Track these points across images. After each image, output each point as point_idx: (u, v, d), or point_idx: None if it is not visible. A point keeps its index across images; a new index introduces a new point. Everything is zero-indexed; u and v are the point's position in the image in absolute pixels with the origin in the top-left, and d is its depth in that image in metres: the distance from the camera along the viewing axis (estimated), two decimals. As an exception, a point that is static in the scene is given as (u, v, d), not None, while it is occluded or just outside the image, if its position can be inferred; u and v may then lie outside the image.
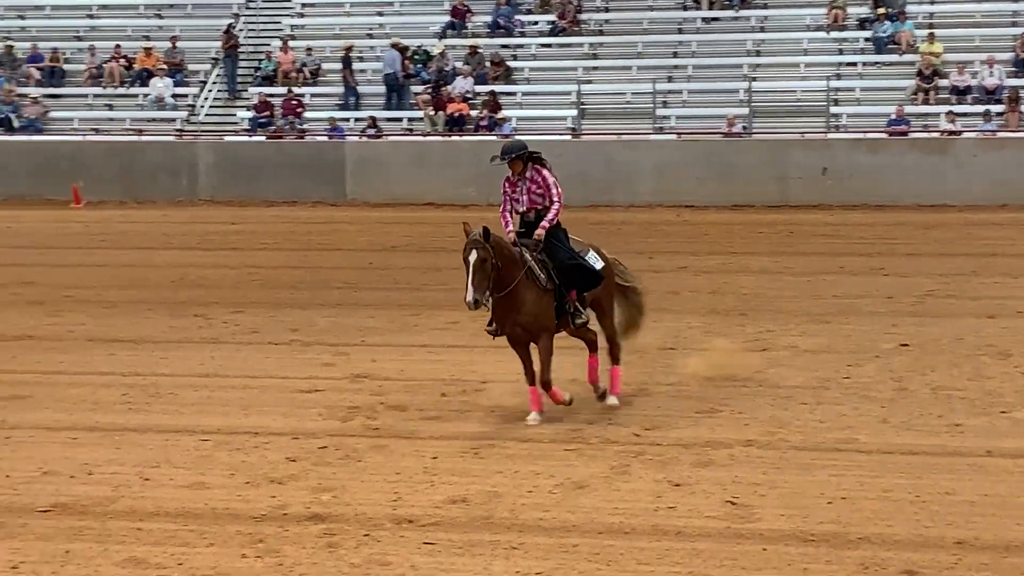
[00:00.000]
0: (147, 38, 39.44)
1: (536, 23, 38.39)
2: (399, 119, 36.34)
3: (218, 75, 38.24)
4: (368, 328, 18.52)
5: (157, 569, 9.79)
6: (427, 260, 24.35)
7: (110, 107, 38.30)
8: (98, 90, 38.50)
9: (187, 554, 10.09)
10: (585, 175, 32.77)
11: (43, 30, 40.52)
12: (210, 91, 38.18)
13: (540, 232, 13.57)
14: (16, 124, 37.44)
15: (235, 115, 37.47)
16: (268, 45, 38.95)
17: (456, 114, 35.51)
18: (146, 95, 38.02)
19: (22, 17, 40.98)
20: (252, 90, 37.55)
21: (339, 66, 37.45)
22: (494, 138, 34.62)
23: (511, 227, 13.75)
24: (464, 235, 13.08)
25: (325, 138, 35.74)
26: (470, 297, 12.94)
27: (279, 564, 9.89)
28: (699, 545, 10.13)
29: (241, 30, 39.29)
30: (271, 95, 36.90)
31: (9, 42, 39.56)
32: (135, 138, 36.71)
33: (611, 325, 14.21)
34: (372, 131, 35.50)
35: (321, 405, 14.37)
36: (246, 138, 36.53)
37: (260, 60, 38.46)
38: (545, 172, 13.77)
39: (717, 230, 28.04)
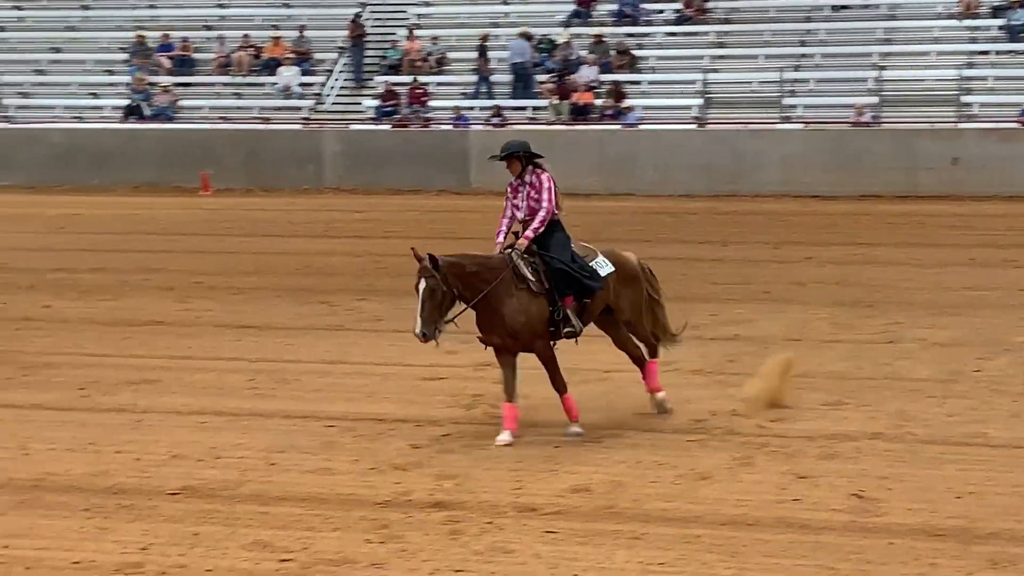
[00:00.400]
0: (275, 27, 39.81)
1: (662, 11, 38.18)
2: (523, 108, 36.34)
3: (345, 64, 38.49)
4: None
5: (283, 553, 9.88)
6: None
7: (238, 95, 38.72)
8: (227, 79, 38.94)
9: (312, 538, 10.17)
10: (709, 165, 32.63)
11: (174, 20, 41.05)
12: (336, 80, 38.44)
13: (522, 242, 12.75)
14: (147, 112, 38.00)
15: (360, 104, 37.70)
16: (394, 34, 39.14)
17: (581, 103, 35.44)
18: (273, 84, 38.39)
19: (154, 7, 41.55)
20: (378, 79, 37.75)
21: (464, 55, 37.55)
22: (618, 127, 34.55)
23: (501, 237, 12.96)
24: (417, 262, 12.43)
25: (450, 127, 35.85)
26: (418, 330, 12.34)
27: (402, 550, 9.94)
28: (824, 538, 10.03)
29: (368, 19, 39.51)
30: (397, 84, 37.09)
31: (141, 32, 40.14)
32: (262, 126, 37.09)
33: (643, 329, 13.53)
34: (496, 120, 35.55)
35: (444, 393, 14.43)
36: (372, 127, 36.74)
37: (386, 49, 38.67)
38: (543, 176, 13.02)
39: (844, 221, 27.72)
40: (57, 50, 40.78)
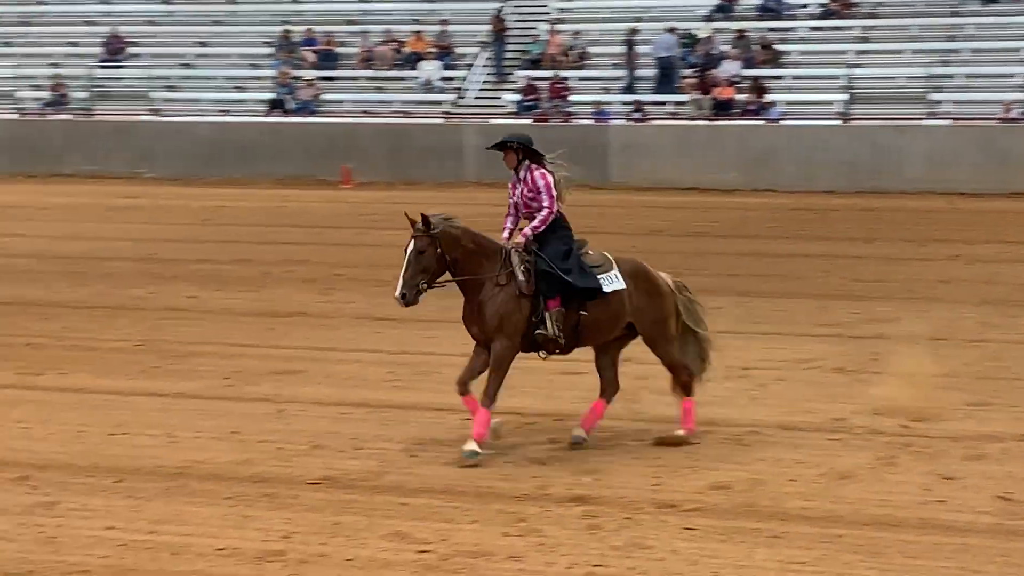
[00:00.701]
0: (417, 22, 40.07)
1: (806, 5, 37.79)
2: (663, 103, 36.18)
3: (487, 58, 38.61)
4: (631, 312, 18.49)
5: (421, 544, 9.94)
6: (691, 245, 24.24)
7: (380, 90, 39.01)
8: (369, 73, 39.25)
9: (450, 530, 10.22)
10: (853, 161, 32.24)
11: (318, 14, 41.48)
12: (478, 74, 38.56)
13: (519, 240, 12.18)
14: (291, 106, 38.44)
15: (501, 98, 37.79)
16: (535, 28, 39.19)
17: (722, 98, 35.20)
18: (415, 78, 38.64)
19: (299, 2, 42.02)
20: (519, 73, 37.82)
21: (605, 50, 37.49)
22: (761, 123, 34.26)
23: (506, 234, 12.41)
24: (410, 225, 12.02)
25: (590, 122, 35.81)
26: (397, 291, 11.91)
27: (540, 543, 9.96)
28: (969, 540, 9.87)
29: (510, 13, 39.60)
30: (537, 78, 37.13)
31: (286, 26, 40.62)
32: (404, 120, 37.34)
33: (669, 353, 12.54)
34: (637, 115, 35.44)
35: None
36: (512, 121, 36.80)
37: (528, 43, 38.73)
38: (537, 174, 12.27)
39: (991, 218, 27.25)
40: (204, 44, 41.40)
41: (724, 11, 38.03)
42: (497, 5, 39.57)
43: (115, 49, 41.51)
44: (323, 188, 34.77)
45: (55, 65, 40.97)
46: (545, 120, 36.33)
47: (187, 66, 40.82)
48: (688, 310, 12.72)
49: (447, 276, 12.14)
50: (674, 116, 35.62)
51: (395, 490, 11.16)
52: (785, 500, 10.80)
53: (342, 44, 40.28)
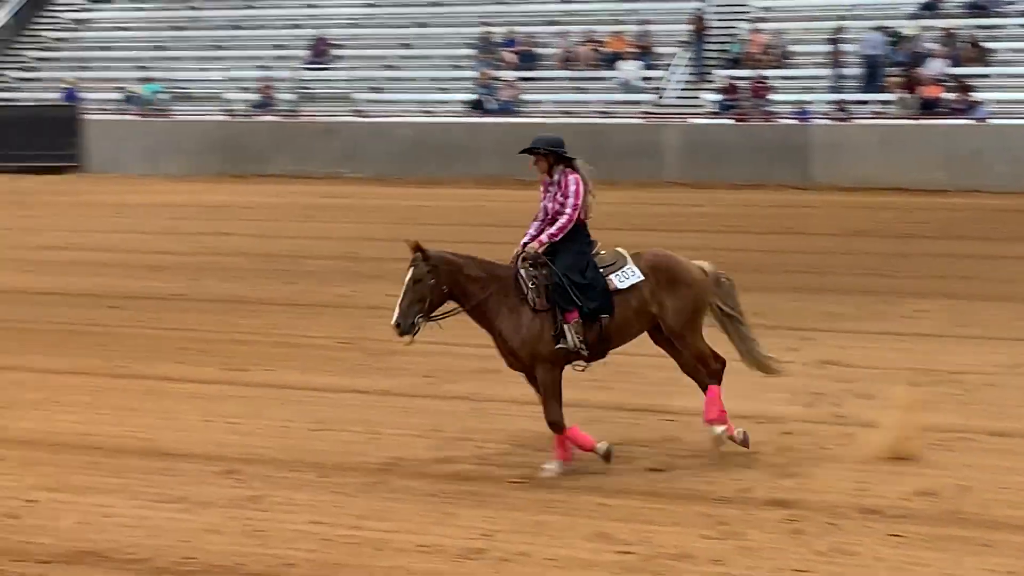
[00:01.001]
0: (617, 21, 40.02)
1: (1013, 2, 36.88)
2: (866, 102, 35.61)
3: (688, 58, 38.41)
4: (833, 314, 18.25)
5: (622, 545, 9.91)
6: (895, 246, 23.82)
7: (580, 90, 39.06)
8: (569, 73, 39.33)
9: (651, 532, 10.17)
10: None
11: (519, 15, 41.69)
12: (678, 74, 38.38)
13: (533, 245, 11.73)
14: (490, 106, 38.68)
15: (700, 98, 37.57)
16: (736, 27, 38.88)
17: (929, 97, 34.50)
18: (615, 78, 38.60)
19: (500, 3, 42.28)
20: (719, 72, 37.56)
21: (807, 48, 37.04)
22: (971, 122, 33.50)
23: (527, 238, 11.90)
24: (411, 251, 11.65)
25: (792, 121, 35.40)
26: (393, 320, 11.53)
27: (742, 547, 9.86)
28: None
29: (710, 13, 39.35)
30: (738, 78, 36.83)
31: (487, 27, 40.91)
32: (603, 120, 37.33)
33: (695, 345, 12.04)
34: (841, 114, 34.94)
35: (785, 390, 14.22)
36: (712, 120, 36.58)
37: (728, 42, 38.44)
38: (571, 178, 11.77)
39: None
40: (407, 46, 41.90)
41: (930, 8, 37.28)
42: (697, 4, 39.37)
43: (321, 52, 42.25)
44: (522, 188, 34.89)
45: (263, 68, 41.84)
46: (745, 119, 36.03)
47: (390, 67, 41.33)
48: (729, 297, 12.28)
49: (454, 307, 11.75)
50: (879, 115, 35.04)
51: (595, 490, 11.14)
52: (994, 508, 10.53)
53: (542, 45, 40.42)
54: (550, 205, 11.85)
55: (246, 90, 41.62)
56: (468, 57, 40.74)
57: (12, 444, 12.62)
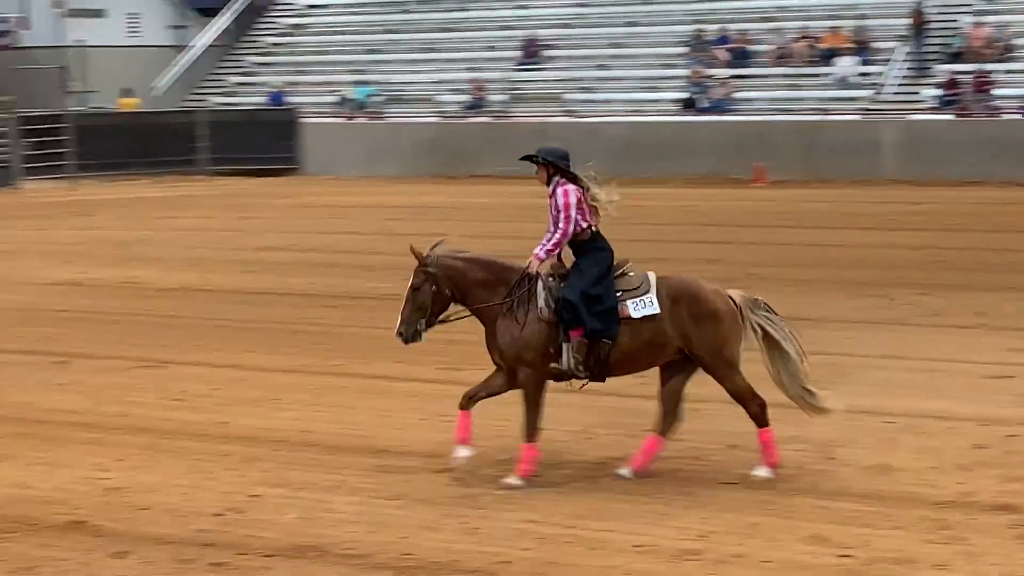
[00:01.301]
0: (834, 17, 39.45)
1: None
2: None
3: (907, 52, 37.67)
4: (1061, 313, 17.75)
5: (841, 548, 9.72)
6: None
7: (795, 87, 38.59)
8: (783, 70, 38.89)
9: (871, 536, 9.96)
10: None
11: (731, 12, 41.38)
12: (895, 69, 37.67)
13: (533, 262, 11.33)
14: (703, 105, 38.44)
15: (920, 93, 36.83)
16: (957, 21, 38.02)
17: None
18: (831, 74, 38.04)
19: (713, 0, 42.01)
20: (939, 67, 36.76)
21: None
22: None
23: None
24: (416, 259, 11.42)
25: (1017, 116, 34.49)
26: (395, 331, 11.39)
27: (966, 552, 9.60)
28: None
29: (930, 6, 38.54)
30: (959, 72, 36.00)
31: (699, 25, 40.66)
32: (819, 117, 36.83)
33: (731, 380, 11.41)
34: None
35: (1010, 392, 13.87)
36: (932, 116, 35.83)
37: (949, 36, 37.61)
38: (560, 191, 11.35)
39: None
40: (618, 45, 41.86)
41: None
42: (916, -2, 38.62)
43: (532, 52, 42.45)
44: (735, 187, 34.64)
45: (474, 69, 42.20)
46: (967, 115, 35.22)
47: (601, 67, 41.34)
48: (769, 326, 11.47)
49: (462, 310, 11.49)
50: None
51: (812, 492, 10.97)
52: None
53: (755, 41, 40.04)
54: (550, 217, 11.48)
55: (458, 92, 42.02)
56: (680, 55, 40.54)
57: (235, 440, 12.90)
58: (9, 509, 10.96)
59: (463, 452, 11.51)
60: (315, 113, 42.63)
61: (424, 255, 11.34)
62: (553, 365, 11.24)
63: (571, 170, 11.52)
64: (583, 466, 11.81)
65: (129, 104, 44.20)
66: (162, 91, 46.22)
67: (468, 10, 45.50)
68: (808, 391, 11.56)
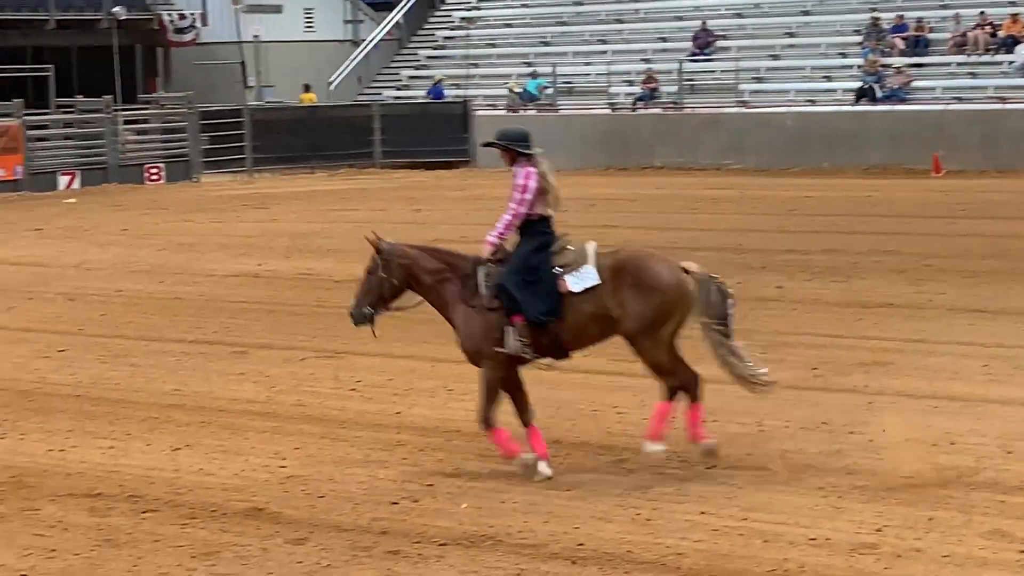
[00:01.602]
0: (1013, 3, 38.62)
1: None
2: None
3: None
4: None
5: (1022, 544, 9.55)
6: None
7: (973, 75, 37.87)
8: (961, 58, 38.19)
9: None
10: None
11: (910, 0, 40.72)
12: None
13: (486, 248, 11.36)
14: (879, 94, 37.90)
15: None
16: None
17: None
18: (1011, 62, 37.27)
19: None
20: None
21: None
22: None
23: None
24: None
25: None
26: (349, 311, 11.62)
27: None
28: None
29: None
30: None
31: (875, 13, 40.10)
32: (997, 106, 36.11)
33: (650, 353, 11.28)
34: None
35: None
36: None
37: None
38: (519, 171, 11.31)
39: None
40: (792, 35, 41.47)
41: None
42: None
43: (704, 43, 42.24)
44: (911, 177, 34.13)
45: (646, 60, 42.11)
46: None
47: (775, 57, 40.99)
48: (711, 307, 11.24)
49: (417, 298, 11.63)
50: None
51: (992, 487, 10.79)
52: None
53: (933, 29, 39.37)
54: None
55: (630, 83, 41.95)
56: (855, 44, 40.02)
57: (409, 430, 13.05)
58: (191, 495, 11.24)
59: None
60: (488, 106, 42.86)
61: (378, 243, 11.51)
62: (497, 350, 11.20)
63: (530, 151, 11.46)
64: (752, 461, 11.72)
65: (309, 99, 44.95)
66: (336, 85, 46.88)
67: (640, 1, 45.40)
68: (750, 367, 11.50)
